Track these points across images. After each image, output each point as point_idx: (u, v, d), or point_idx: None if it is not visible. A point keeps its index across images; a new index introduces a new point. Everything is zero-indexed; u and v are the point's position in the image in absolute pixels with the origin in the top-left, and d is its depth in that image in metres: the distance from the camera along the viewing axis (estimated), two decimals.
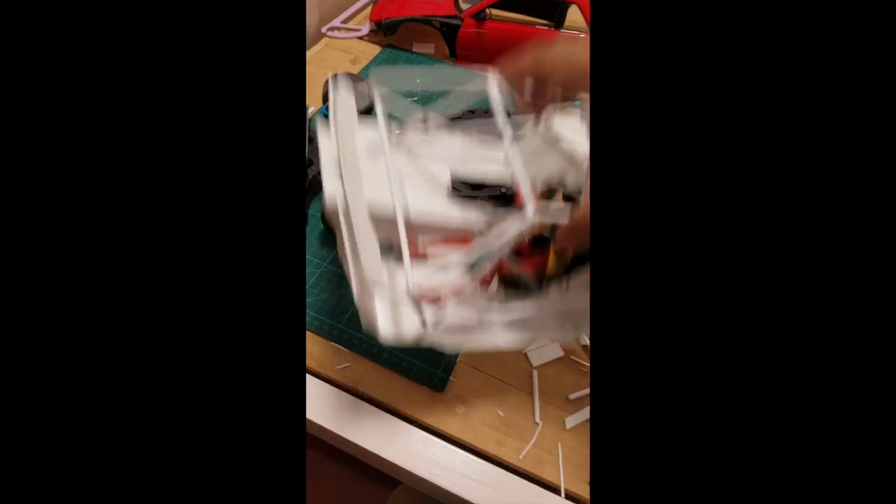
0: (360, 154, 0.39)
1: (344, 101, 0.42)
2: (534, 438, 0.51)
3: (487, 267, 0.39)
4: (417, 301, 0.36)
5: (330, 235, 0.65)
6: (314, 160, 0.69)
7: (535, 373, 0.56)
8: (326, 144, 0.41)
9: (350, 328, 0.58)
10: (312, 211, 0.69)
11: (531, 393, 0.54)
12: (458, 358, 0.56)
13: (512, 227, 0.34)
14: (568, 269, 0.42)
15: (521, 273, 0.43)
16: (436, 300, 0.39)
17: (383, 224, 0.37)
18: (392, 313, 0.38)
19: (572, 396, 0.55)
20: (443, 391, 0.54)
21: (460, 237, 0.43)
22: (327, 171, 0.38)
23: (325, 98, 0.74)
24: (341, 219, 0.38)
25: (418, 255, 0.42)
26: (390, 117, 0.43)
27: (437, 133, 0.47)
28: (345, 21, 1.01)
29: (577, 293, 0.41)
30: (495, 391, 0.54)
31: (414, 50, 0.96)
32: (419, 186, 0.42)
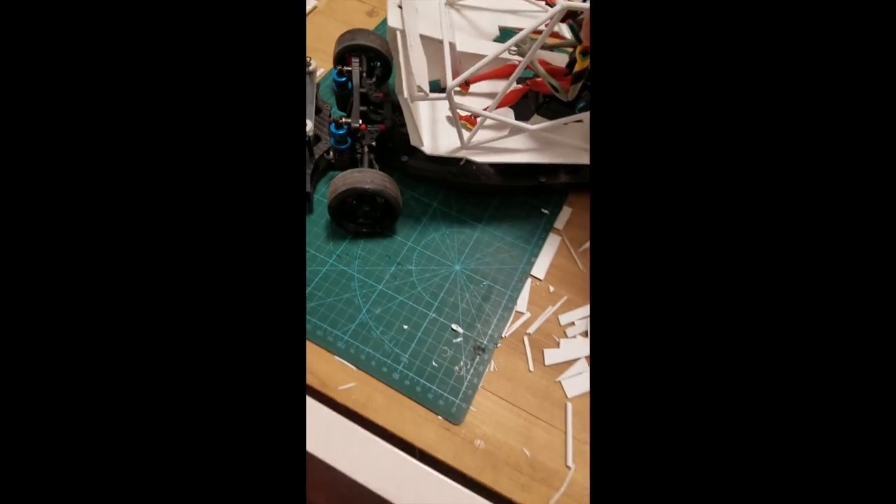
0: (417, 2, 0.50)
1: None
2: (564, 485, 0.44)
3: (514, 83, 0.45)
4: (456, 119, 0.45)
5: (337, 228, 0.56)
6: (321, 135, 0.59)
7: (570, 406, 0.48)
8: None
9: (357, 341, 0.50)
10: (319, 196, 0.59)
11: (564, 430, 0.47)
12: (480, 384, 0.48)
13: (550, 12, 0.39)
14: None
15: (557, 86, 0.49)
16: (471, 121, 0.50)
17: (434, 55, 0.48)
18: (433, 129, 0.50)
19: None
20: (460, 423, 0.46)
21: (503, 67, 0.52)
22: (391, 9, 0.49)
23: (339, 59, 0.62)
24: (399, 45, 0.49)
25: (462, 86, 0.53)
26: None
27: None
28: None
29: None
30: (522, 426, 0.47)
31: None
32: (469, 33, 0.54)
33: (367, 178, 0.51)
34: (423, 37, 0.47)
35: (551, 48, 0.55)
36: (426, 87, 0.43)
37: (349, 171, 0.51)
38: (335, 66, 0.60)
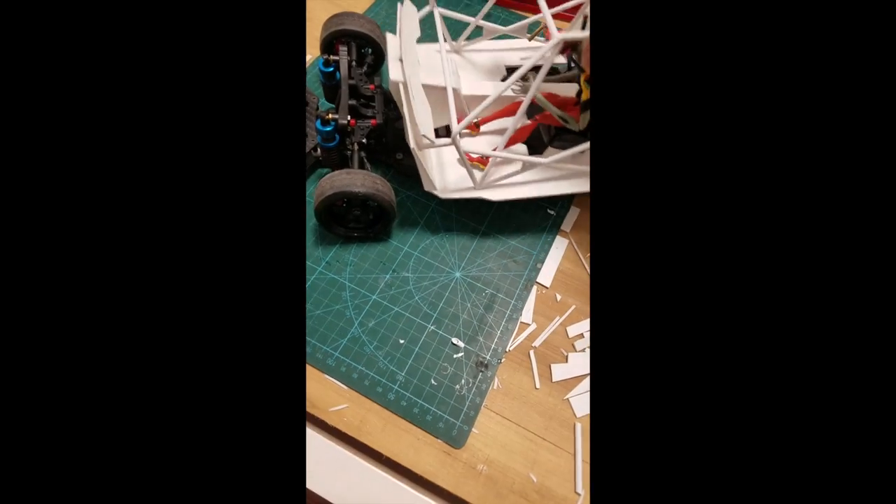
0: (419, 51, 0.52)
1: (409, 11, 0.52)
2: None
3: (521, 122, 0.46)
4: (465, 162, 0.46)
5: (325, 233, 0.52)
6: (308, 131, 0.54)
7: (579, 427, 0.45)
8: (392, 43, 0.52)
9: (349, 357, 0.46)
10: (306, 197, 0.55)
11: (573, 453, 0.43)
12: (483, 404, 0.45)
13: (546, 46, 0.39)
14: None
15: (566, 116, 0.48)
16: (483, 161, 0.50)
17: (441, 101, 0.47)
18: (443, 171, 0.51)
19: None
20: (462, 447, 0.43)
21: (509, 106, 0.51)
22: (392, 64, 0.50)
23: (326, 47, 0.57)
24: (402, 96, 0.48)
25: (471, 128, 0.53)
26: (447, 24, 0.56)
27: (489, 40, 0.58)
28: None
29: None
30: (528, 448, 0.43)
31: None
32: (473, 74, 0.55)
33: (357, 180, 0.46)
34: (426, 86, 0.48)
35: (557, 80, 0.54)
36: (431, 136, 0.45)
37: (337, 172, 0.47)
38: (322, 55, 0.55)
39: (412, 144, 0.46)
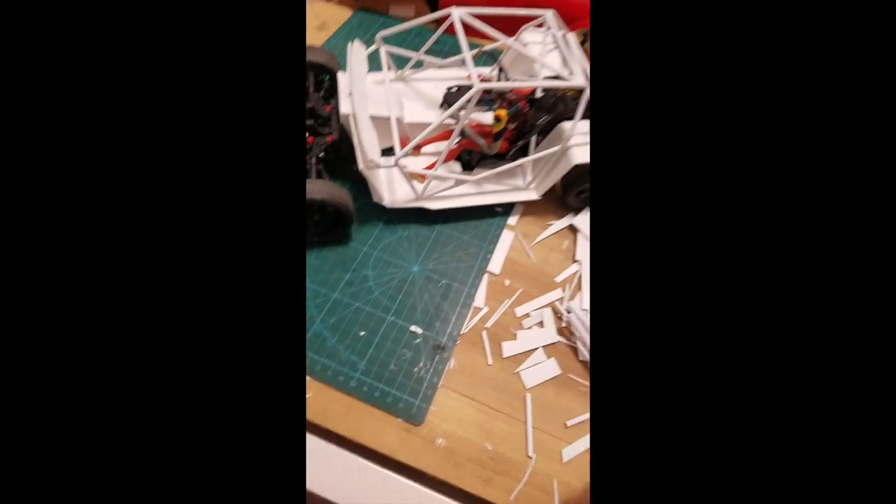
0: (367, 84, 0.59)
1: (357, 50, 0.60)
2: (526, 475, 0.44)
3: (456, 141, 0.55)
4: (408, 179, 0.55)
5: None
6: None
7: (529, 396, 0.48)
8: (343, 80, 0.59)
9: (312, 352, 0.49)
10: None
11: (524, 421, 0.47)
12: (440, 383, 0.48)
13: (469, 92, 0.48)
14: (516, 134, 0.57)
15: (483, 144, 0.57)
16: (422, 176, 0.56)
17: (385, 127, 0.56)
18: (391, 185, 0.58)
19: (570, 423, 0.47)
20: (421, 424, 0.46)
21: (444, 132, 0.58)
22: (343, 99, 0.57)
23: None
24: (352, 126, 0.56)
25: (415, 151, 0.61)
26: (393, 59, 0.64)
27: (433, 70, 0.66)
28: None
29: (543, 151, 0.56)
30: (483, 420, 0.47)
31: (391, 13, 0.83)
32: (415, 102, 0.62)
33: (315, 188, 0.50)
34: (373, 116, 0.56)
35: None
36: (378, 160, 0.52)
37: None
38: None
39: (361, 167, 0.53)
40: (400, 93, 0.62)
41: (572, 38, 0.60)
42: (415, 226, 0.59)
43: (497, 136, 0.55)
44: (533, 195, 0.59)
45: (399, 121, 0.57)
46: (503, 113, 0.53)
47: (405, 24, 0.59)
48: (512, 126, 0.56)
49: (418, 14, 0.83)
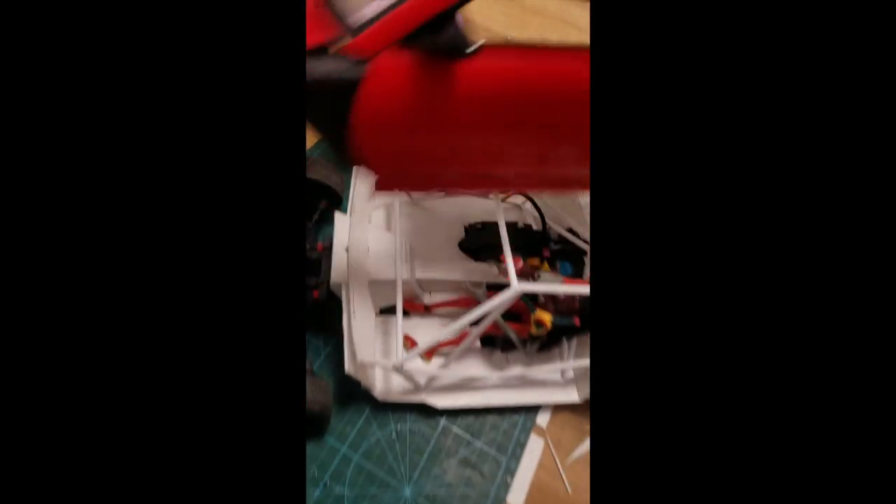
0: (371, 231, 0.45)
1: (360, 190, 0.46)
2: None
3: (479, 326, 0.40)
4: (406, 372, 0.41)
5: None
6: None
7: None
8: (341, 227, 0.44)
9: None
10: None
11: None
12: None
13: (504, 295, 0.36)
14: (550, 334, 0.43)
15: (517, 340, 0.44)
16: (429, 353, 0.43)
17: (386, 288, 0.43)
18: (385, 375, 0.43)
19: None
20: None
21: (462, 298, 0.46)
22: (338, 252, 0.42)
23: None
24: (343, 302, 0.42)
25: (420, 307, 0.46)
26: None
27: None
28: None
29: (578, 355, 0.44)
30: None
31: None
32: (428, 243, 0.46)
33: None
34: (374, 282, 0.42)
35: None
36: (372, 360, 0.40)
37: None
38: None
39: (349, 370, 0.39)
40: (410, 232, 0.47)
41: None
42: (412, 418, 0.44)
43: (534, 339, 0.42)
44: (574, 396, 0.45)
45: (406, 283, 0.43)
46: (547, 318, 0.39)
47: None
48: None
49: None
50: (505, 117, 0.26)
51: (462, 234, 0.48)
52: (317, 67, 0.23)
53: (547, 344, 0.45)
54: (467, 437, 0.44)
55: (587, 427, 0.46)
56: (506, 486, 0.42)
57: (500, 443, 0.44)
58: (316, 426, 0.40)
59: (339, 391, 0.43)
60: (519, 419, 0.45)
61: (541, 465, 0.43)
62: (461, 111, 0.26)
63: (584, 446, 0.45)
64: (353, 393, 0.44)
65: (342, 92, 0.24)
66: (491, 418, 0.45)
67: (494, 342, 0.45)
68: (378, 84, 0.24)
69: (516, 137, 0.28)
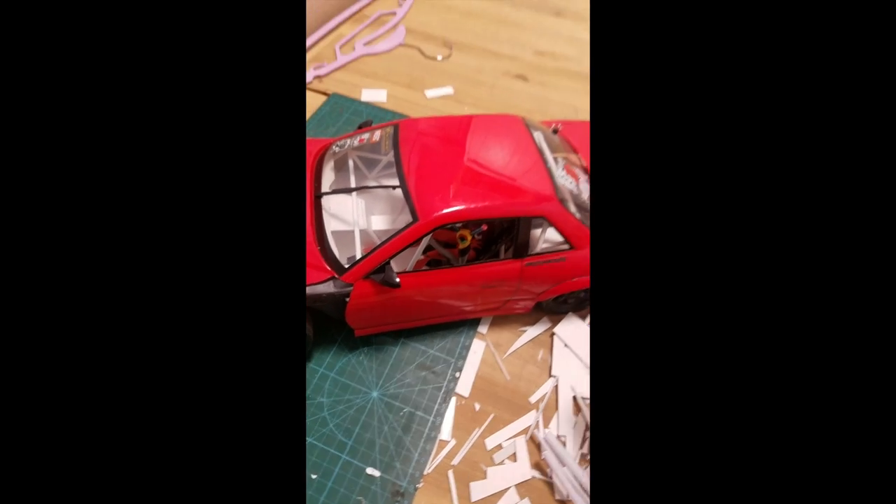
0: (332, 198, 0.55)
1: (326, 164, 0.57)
2: None
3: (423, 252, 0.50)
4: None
5: None
6: None
7: None
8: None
9: None
10: None
11: None
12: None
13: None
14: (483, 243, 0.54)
15: (450, 256, 0.53)
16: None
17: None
18: None
19: None
20: None
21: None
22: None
23: None
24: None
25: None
26: None
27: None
28: None
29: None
30: None
31: (363, 99, 0.81)
32: (383, 209, 0.56)
33: None
34: (335, 232, 0.52)
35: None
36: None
37: None
38: None
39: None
40: (367, 201, 0.56)
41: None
42: (377, 339, 0.53)
43: (463, 252, 0.51)
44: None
45: (365, 231, 0.52)
46: (467, 233, 0.49)
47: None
48: (478, 236, 0.51)
49: (391, 98, 0.81)
50: (418, 302, 0.49)
51: None
52: (327, 289, 0.46)
53: (480, 255, 0.53)
54: (422, 347, 0.53)
55: (520, 329, 0.55)
56: (455, 381, 0.51)
57: (449, 348, 0.53)
58: None
59: (316, 328, 0.52)
60: (464, 329, 0.54)
61: (483, 362, 0.52)
62: (395, 305, 0.48)
63: (518, 343, 0.54)
64: (329, 326, 0.53)
65: (341, 299, 0.46)
66: (441, 331, 0.54)
67: (441, 264, 0.53)
68: (356, 295, 0.46)
69: (429, 308, 0.50)
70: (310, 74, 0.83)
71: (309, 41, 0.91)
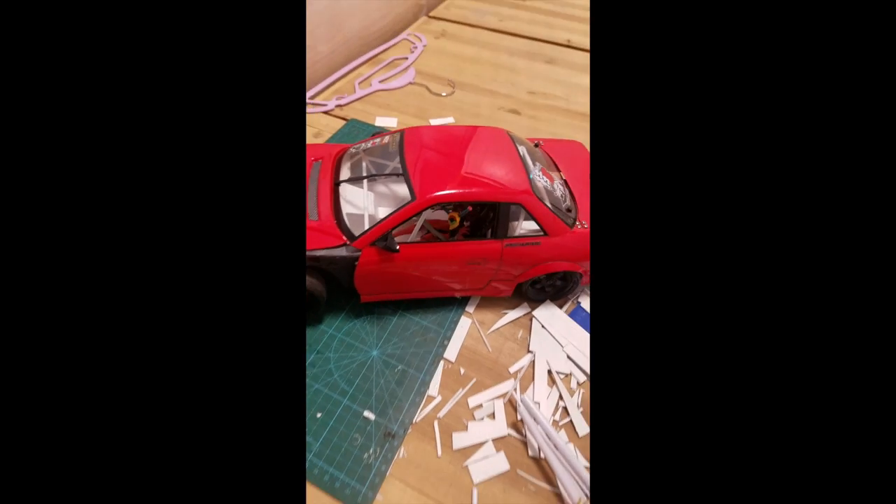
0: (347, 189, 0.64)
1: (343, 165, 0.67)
2: None
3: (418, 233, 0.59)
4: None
5: None
6: None
7: (476, 492, 0.47)
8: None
9: None
10: None
11: None
12: (389, 471, 0.47)
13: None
14: (472, 227, 0.62)
15: (442, 237, 0.59)
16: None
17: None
18: None
19: None
20: None
21: (408, 227, 0.61)
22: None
23: None
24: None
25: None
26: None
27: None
28: (312, 97, 1.00)
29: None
30: None
31: (377, 123, 0.94)
32: (388, 201, 0.65)
33: None
34: (349, 215, 0.59)
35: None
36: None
37: None
38: None
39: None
40: (376, 195, 0.67)
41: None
42: (378, 309, 0.61)
43: (453, 233, 0.60)
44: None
45: (373, 216, 0.61)
46: (456, 215, 0.58)
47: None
48: (466, 223, 0.61)
49: (401, 124, 0.94)
50: (414, 276, 0.58)
51: None
52: (339, 252, 0.54)
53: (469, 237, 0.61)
54: (416, 318, 0.61)
55: (503, 311, 0.63)
56: (444, 347, 0.58)
57: (440, 321, 0.61)
58: (314, 308, 0.57)
59: (329, 298, 0.60)
60: (453, 306, 0.63)
61: (469, 335, 0.60)
62: (396, 272, 0.57)
63: (500, 322, 0.62)
64: (339, 297, 0.61)
65: (351, 262, 0.55)
66: (433, 307, 0.62)
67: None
68: (364, 262, 0.55)
69: (423, 282, 0.59)
70: (332, 102, 0.97)
71: (332, 77, 1.06)
